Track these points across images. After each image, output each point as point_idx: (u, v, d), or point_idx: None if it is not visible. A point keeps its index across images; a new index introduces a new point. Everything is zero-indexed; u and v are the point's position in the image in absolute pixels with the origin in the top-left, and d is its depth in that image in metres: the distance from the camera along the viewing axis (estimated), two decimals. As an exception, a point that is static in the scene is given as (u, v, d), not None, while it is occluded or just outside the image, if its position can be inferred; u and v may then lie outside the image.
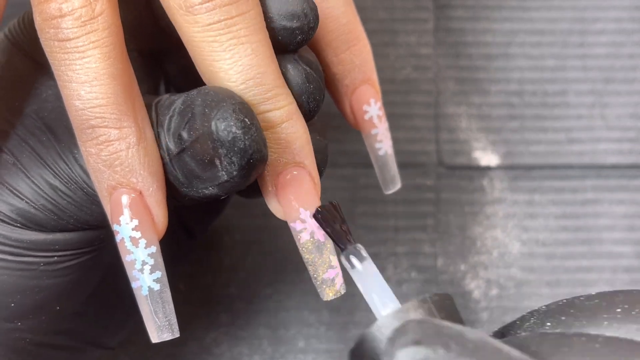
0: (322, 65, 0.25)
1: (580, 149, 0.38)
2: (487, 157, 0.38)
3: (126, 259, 0.21)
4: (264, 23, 0.21)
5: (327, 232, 0.22)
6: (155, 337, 0.22)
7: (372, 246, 0.37)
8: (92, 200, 0.22)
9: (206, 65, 0.21)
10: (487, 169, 0.38)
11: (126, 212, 0.21)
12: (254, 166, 0.21)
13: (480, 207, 0.37)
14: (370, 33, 0.39)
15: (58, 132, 0.22)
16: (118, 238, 0.21)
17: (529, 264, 0.37)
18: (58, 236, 0.23)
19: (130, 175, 0.21)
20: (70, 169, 0.22)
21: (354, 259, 0.21)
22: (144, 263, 0.21)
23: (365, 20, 0.39)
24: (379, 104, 0.27)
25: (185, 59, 0.23)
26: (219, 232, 0.37)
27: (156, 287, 0.21)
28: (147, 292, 0.21)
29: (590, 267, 0.36)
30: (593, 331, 0.18)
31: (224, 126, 0.20)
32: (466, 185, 0.38)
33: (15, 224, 0.23)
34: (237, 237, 0.37)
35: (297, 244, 0.23)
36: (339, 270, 0.23)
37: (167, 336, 0.22)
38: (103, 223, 0.23)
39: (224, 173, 0.21)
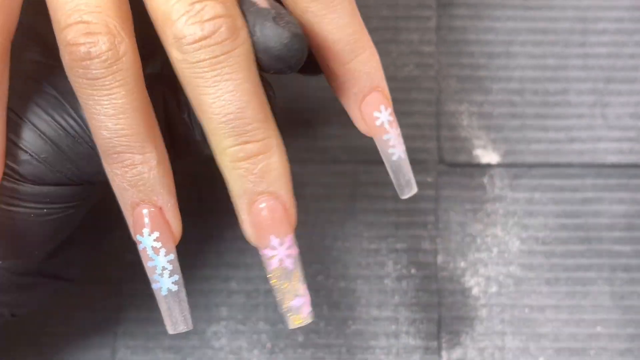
0: (330, 74, 0.26)
1: (580, 148, 0.38)
2: (487, 155, 0.38)
3: (148, 264, 0.24)
4: (250, 58, 0.23)
5: None
6: (171, 329, 0.25)
7: (372, 242, 0.37)
8: (93, 152, 0.24)
9: (193, 95, 0.23)
10: (488, 166, 0.38)
11: (149, 226, 0.24)
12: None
13: (480, 205, 0.37)
14: (372, 30, 0.39)
15: (64, 92, 0.25)
16: (140, 247, 0.24)
17: (529, 262, 0.37)
18: (51, 189, 0.25)
19: (152, 194, 0.24)
20: (75, 121, 0.24)
21: None
22: (163, 269, 0.24)
23: (367, 18, 0.39)
24: (390, 109, 0.27)
25: None
26: (219, 226, 0.37)
27: (174, 288, 0.24)
28: (167, 292, 0.24)
29: (590, 266, 0.37)
30: None
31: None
32: (467, 183, 0.38)
33: (15, 176, 0.24)
34: (238, 232, 0.37)
35: (266, 270, 0.25)
36: (306, 299, 0.25)
37: (182, 328, 0.25)
38: (93, 179, 0.25)
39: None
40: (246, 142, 0.23)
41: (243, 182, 0.24)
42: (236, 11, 0.23)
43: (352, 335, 0.36)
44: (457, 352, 0.36)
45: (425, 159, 0.38)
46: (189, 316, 0.25)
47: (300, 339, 0.36)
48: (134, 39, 0.23)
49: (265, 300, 0.36)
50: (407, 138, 0.38)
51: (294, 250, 0.25)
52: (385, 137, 0.27)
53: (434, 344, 0.36)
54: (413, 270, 0.37)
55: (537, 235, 0.37)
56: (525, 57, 0.39)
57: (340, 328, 0.36)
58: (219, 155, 0.24)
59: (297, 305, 0.25)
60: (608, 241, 0.37)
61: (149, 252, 0.24)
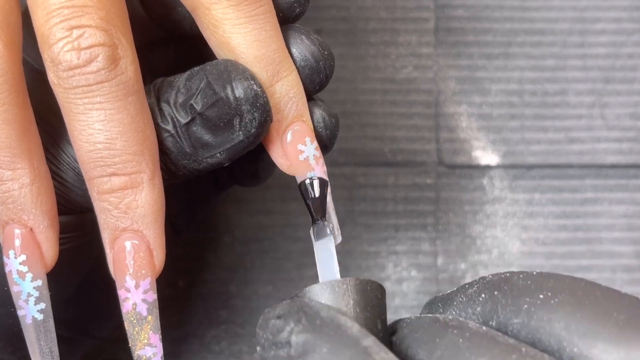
0: None
1: (580, 149, 0.38)
2: (487, 156, 0.38)
3: (13, 289, 0.23)
4: (131, 88, 0.22)
5: (305, 201, 0.24)
6: None
7: (371, 245, 0.37)
8: (82, 180, 0.23)
9: (67, 120, 0.22)
10: (487, 168, 0.38)
11: (16, 247, 0.22)
12: (267, 124, 0.23)
13: (480, 206, 0.37)
14: (371, 32, 0.39)
15: (51, 120, 0.23)
16: (7, 269, 0.23)
17: (529, 263, 0.37)
18: None
19: (22, 213, 0.22)
20: (62, 151, 0.24)
21: (313, 234, 0.23)
22: (29, 295, 0.23)
23: (366, 20, 0.39)
24: (315, 143, 0.25)
25: (175, 53, 0.24)
26: (218, 230, 0.37)
27: (40, 317, 0.23)
28: (31, 321, 0.23)
29: (590, 267, 0.37)
30: (513, 315, 0.19)
31: (247, 85, 0.22)
32: (466, 184, 0.38)
33: None
34: (237, 235, 0.37)
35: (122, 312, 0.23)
36: (158, 350, 0.23)
37: None
38: (91, 206, 0.24)
39: (240, 133, 0.22)
40: (113, 174, 0.22)
41: (107, 215, 0.22)
42: (120, 39, 0.21)
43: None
44: (458, 355, 0.35)
45: (424, 160, 0.38)
46: (55, 349, 0.23)
47: (300, 342, 0.35)
48: (16, 47, 0.22)
49: (264, 303, 0.36)
50: (406, 140, 0.38)
51: (151, 296, 0.23)
52: (309, 174, 0.24)
53: (435, 346, 0.36)
54: (413, 273, 0.37)
55: (537, 236, 0.37)
56: (523, 58, 0.39)
57: (340, 331, 0.36)
58: (88, 185, 0.22)
59: (147, 355, 0.23)
60: (608, 242, 0.37)
61: (14, 275, 0.22)
